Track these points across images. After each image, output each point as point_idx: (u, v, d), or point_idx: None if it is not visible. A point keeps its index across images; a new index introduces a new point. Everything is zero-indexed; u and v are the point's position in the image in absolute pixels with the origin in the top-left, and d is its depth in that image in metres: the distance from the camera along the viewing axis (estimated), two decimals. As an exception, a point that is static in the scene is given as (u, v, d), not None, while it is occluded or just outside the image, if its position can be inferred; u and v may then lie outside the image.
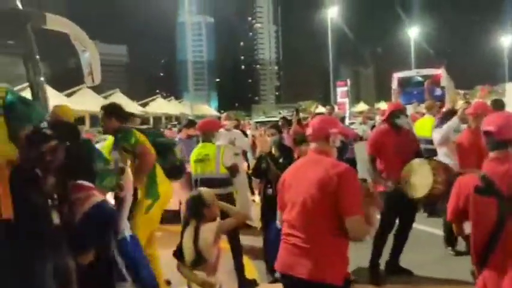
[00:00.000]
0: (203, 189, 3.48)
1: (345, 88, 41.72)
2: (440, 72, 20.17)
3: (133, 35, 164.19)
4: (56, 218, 3.02)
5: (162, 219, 7.29)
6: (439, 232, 6.23)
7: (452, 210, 2.71)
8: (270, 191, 5.08)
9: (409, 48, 58.94)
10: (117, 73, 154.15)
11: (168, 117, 35.91)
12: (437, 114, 7.64)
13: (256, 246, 5.74)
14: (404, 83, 20.47)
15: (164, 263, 5.25)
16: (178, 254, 3.33)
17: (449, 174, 4.87)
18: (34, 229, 2.94)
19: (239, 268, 5.17)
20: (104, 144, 4.93)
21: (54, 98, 11.77)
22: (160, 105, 35.06)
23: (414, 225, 5.59)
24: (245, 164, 7.94)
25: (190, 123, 6.96)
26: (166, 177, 4.92)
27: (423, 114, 9.02)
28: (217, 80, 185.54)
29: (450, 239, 5.85)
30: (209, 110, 47.33)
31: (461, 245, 5.61)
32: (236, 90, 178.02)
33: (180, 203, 6.75)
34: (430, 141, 6.81)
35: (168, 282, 5.20)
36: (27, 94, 5.41)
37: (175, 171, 5.09)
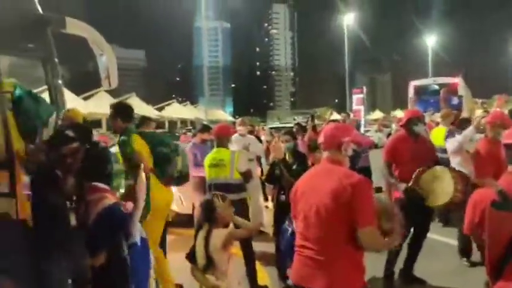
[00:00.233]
0: (217, 194, 3.48)
1: (361, 95, 41.49)
2: (458, 80, 19.94)
3: (150, 39, 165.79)
4: (73, 220, 3.06)
5: (176, 223, 7.36)
6: (454, 242, 6.16)
7: (468, 223, 2.67)
8: (283, 197, 5.07)
9: (426, 56, 58.49)
10: (134, 77, 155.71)
11: (183, 122, 36.10)
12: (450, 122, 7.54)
13: (269, 252, 5.73)
14: (420, 91, 20.26)
15: (177, 267, 5.27)
16: (191, 257, 3.33)
17: (467, 184, 4.83)
18: (52, 230, 2.98)
19: (251, 274, 5.16)
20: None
21: (72, 101, 11.94)
22: (176, 110, 35.23)
23: (429, 234, 5.53)
24: (259, 170, 7.94)
25: (205, 128, 6.98)
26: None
27: (438, 123, 8.92)
28: (233, 85, 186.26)
29: (465, 250, 5.78)
30: (224, 115, 47.44)
31: (476, 255, 5.54)
32: (251, 95, 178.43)
33: (194, 207, 6.78)
34: (444, 150, 6.76)
35: (180, 287, 5.21)
36: (45, 97, 5.50)
37: (174, 182, 5.02)
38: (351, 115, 17.14)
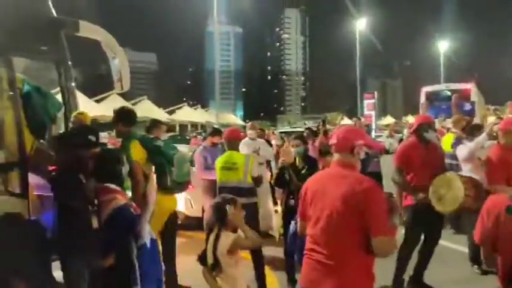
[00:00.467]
0: (228, 196, 3.47)
1: (372, 100, 41.38)
2: (470, 86, 19.78)
3: (162, 43, 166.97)
4: (95, 223, 3.08)
5: (186, 226, 7.39)
6: (465, 249, 6.09)
7: (480, 232, 2.65)
8: (291, 201, 5.06)
9: (438, 61, 58.15)
10: (146, 80, 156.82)
11: (194, 125, 36.22)
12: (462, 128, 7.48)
13: (278, 256, 5.72)
14: (432, 97, 20.08)
15: (186, 270, 5.28)
16: (203, 259, 3.33)
17: (480, 190, 4.79)
18: (74, 232, 3.00)
19: (260, 279, 5.15)
20: None
21: (84, 104, 12.04)
22: (187, 113, 35.37)
23: (440, 242, 5.49)
24: (268, 174, 7.94)
25: (215, 132, 7.01)
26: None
27: (449, 129, 8.86)
28: (244, 89, 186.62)
29: (476, 257, 5.71)
30: (235, 119, 47.51)
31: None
32: (262, 100, 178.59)
33: (203, 210, 6.79)
34: (453, 156, 6.74)
35: (189, 289, 5.22)
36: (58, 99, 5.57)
37: (171, 191, 5.01)
38: (362, 120, 17.09)
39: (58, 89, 5.54)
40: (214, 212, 3.32)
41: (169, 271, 5.10)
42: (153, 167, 4.79)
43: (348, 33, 60.17)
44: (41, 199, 4.49)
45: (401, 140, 9.89)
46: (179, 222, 5.74)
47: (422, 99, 20.20)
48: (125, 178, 3.74)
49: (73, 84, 5.50)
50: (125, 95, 25.06)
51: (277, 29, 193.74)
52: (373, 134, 24.31)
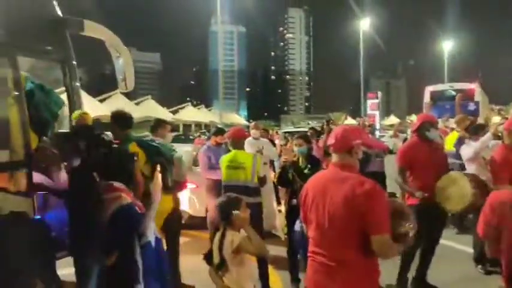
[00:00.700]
0: (233, 195, 3.47)
1: (376, 100, 41.28)
2: (474, 86, 19.73)
3: (166, 43, 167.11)
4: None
5: (189, 226, 7.41)
6: (469, 249, 6.09)
7: (484, 226, 2.64)
8: (294, 201, 5.07)
9: (442, 61, 57.94)
10: (150, 80, 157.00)
11: (198, 125, 36.24)
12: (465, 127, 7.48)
13: (281, 256, 5.72)
14: (436, 96, 20.05)
15: (190, 269, 5.30)
16: (208, 258, 3.33)
17: (484, 188, 4.79)
18: (89, 230, 3.02)
19: (264, 278, 5.16)
20: None
21: (87, 103, 12.08)
22: (191, 113, 35.38)
23: (443, 241, 5.48)
24: (272, 174, 7.95)
25: (219, 131, 7.01)
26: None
27: (453, 128, 8.85)
28: (247, 89, 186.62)
29: (480, 257, 5.71)
30: (238, 118, 47.49)
31: (491, 262, 5.46)
32: (265, 99, 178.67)
33: (207, 210, 6.81)
34: (454, 155, 6.75)
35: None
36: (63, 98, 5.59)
37: (170, 191, 5.03)
38: (366, 120, 17.05)
39: (63, 88, 5.58)
40: (219, 211, 3.31)
41: (173, 270, 5.12)
42: (158, 167, 4.80)
43: (352, 33, 60.07)
44: (45, 198, 4.51)
45: (405, 139, 9.87)
46: (183, 221, 5.76)
47: (426, 98, 20.17)
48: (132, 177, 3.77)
49: (78, 83, 5.52)
50: (128, 95, 25.09)
51: (281, 28, 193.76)
52: (377, 134, 24.21)
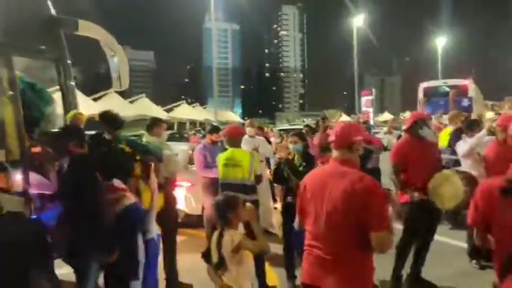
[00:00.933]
0: (230, 194, 3.48)
1: (370, 97, 41.30)
2: (468, 82, 19.82)
3: (160, 41, 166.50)
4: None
5: (186, 224, 7.42)
6: (463, 245, 6.14)
7: (473, 212, 2.66)
8: (289, 198, 5.09)
9: (436, 57, 58.11)
10: (144, 78, 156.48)
11: (193, 123, 36.18)
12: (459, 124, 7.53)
13: (277, 253, 5.74)
14: (430, 92, 20.11)
15: (187, 268, 5.32)
16: (207, 256, 3.35)
17: (476, 185, 4.83)
18: (91, 230, 3.03)
19: (261, 275, 5.18)
20: None
21: (82, 102, 12.06)
22: (185, 111, 35.28)
23: (438, 237, 5.51)
24: (267, 171, 7.98)
25: (214, 129, 7.03)
26: None
27: (446, 124, 8.90)
28: (242, 86, 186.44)
29: (474, 252, 5.75)
30: (233, 116, 47.43)
31: (485, 257, 5.51)
32: (260, 97, 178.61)
33: (203, 208, 6.82)
34: (449, 151, 6.80)
35: (190, 286, 5.25)
36: (58, 97, 5.59)
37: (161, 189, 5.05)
38: (361, 117, 17.08)
39: (57, 87, 5.58)
40: (216, 210, 3.33)
41: (170, 268, 5.13)
42: (152, 165, 4.81)
43: (346, 30, 60.13)
44: (41, 197, 4.51)
45: (399, 136, 9.92)
46: (179, 220, 5.78)
47: (420, 95, 20.23)
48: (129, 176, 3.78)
49: (73, 82, 5.52)
50: (123, 93, 25.00)
51: (275, 25, 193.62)
52: (371, 131, 24.20)
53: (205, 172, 6.46)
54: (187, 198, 7.90)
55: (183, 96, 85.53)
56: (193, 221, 7.65)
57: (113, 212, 3.01)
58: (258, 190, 5.62)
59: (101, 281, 3.65)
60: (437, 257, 5.59)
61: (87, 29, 5.26)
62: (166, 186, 5.10)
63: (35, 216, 4.04)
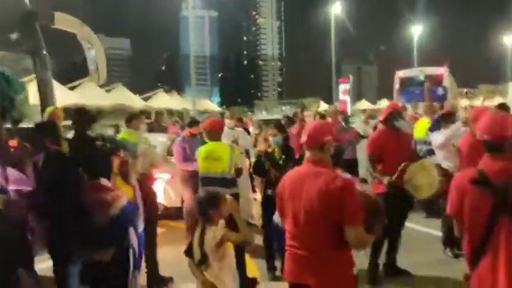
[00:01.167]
0: (211, 190, 3.52)
1: (347, 85, 41.57)
2: (442, 71, 20.12)
3: (136, 28, 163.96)
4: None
5: (165, 216, 7.43)
6: (438, 233, 6.30)
7: (451, 204, 2.75)
8: (269, 191, 5.15)
9: (412, 46, 58.73)
10: (120, 67, 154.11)
11: (170, 112, 35.86)
12: (434, 115, 7.68)
13: (257, 244, 5.80)
14: (406, 81, 20.37)
15: (167, 261, 5.34)
16: (189, 251, 3.38)
17: (451, 176, 4.98)
18: (76, 228, 3.01)
19: (241, 267, 5.23)
20: None
21: (58, 92, 11.87)
22: (163, 100, 34.87)
23: (413, 225, 5.66)
24: (247, 162, 8.02)
25: (193, 122, 7.02)
26: None
27: (421, 114, 9.07)
28: (220, 74, 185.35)
29: (449, 240, 5.91)
30: (212, 105, 47.09)
31: (459, 246, 5.68)
32: (238, 85, 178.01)
33: (183, 200, 6.83)
34: (425, 142, 6.96)
35: (171, 279, 5.27)
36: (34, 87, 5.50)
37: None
38: (338, 106, 17.19)
39: (34, 77, 5.50)
40: (197, 208, 3.36)
41: (151, 261, 5.14)
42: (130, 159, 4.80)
43: (324, 18, 60.22)
44: (19, 194, 4.46)
45: (375, 127, 10.08)
46: (159, 212, 5.78)
47: (396, 84, 20.46)
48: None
49: (49, 73, 5.45)
50: (98, 77, 24.62)
51: (253, 13, 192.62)
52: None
53: (184, 165, 6.46)
54: (166, 190, 7.90)
55: (160, 85, 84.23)
56: (172, 213, 7.66)
57: (106, 212, 2.98)
58: (238, 181, 5.65)
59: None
60: (412, 245, 5.74)
61: (64, 22, 5.18)
62: (144, 182, 5.09)
63: (14, 213, 4.00)
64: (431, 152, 6.82)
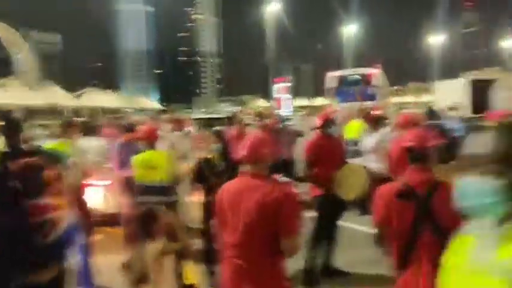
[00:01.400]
0: (149, 207, 3.49)
1: (283, 84, 42.34)
2: (374, 71, 20.81)
3: (67, 22, 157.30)
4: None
5: (102, 223, 7.23)
6: (371, 231, 6.54)
7: (376, 216, 2.90)
8: (210, 197, 5.17)
9: (347, 46, 60.51)
10: (50, 65, 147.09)
11: (105, 110, 34.84)
12: (366, 117, 8.03)
13: (198, 248, 5.80)
14: (339, 82, 20.84)
15: (104, 269, 5.21)
16: (128, 267, 3.35)
17: (374, 177, 5.36)
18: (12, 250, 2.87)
19: (179, 271, 5.22)
20: None
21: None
22: (97, 97, 33.83)
23: (347, 224, 5.88)
24: (186, 166, 7.97)
25: (129, 129, 6.89)
26: None
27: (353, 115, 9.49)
28: (158, 71, 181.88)
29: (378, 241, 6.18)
30: (150, 103, 46.24)
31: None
32: (177, 82, 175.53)
33: (119, 206, 6.69)
34: (356, 143, 7.35)
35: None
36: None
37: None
38: (272, 104, 17.35)
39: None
40: (138, 225, 3.34)
41: (86, 268, 5.00)
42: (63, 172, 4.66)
43: (261, 16, 60.64)
44: None
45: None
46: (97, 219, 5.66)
47: (328, 84, 20.91)
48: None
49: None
50: (28, 80, 23.38)
51: (190, 9, 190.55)
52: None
53: (121, 171, 6.34)
54: (105, 196, 7.71)
55: (95, 82, 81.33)
56: (109, 220, 7.48)
57: (48, 234, 2.86)
58: (177, 187, 5.62)
59: None
60: (347, 244, 5.95)
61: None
62: (77, 192, 4.97)
63: None
64: (358, 153, 7.24)
